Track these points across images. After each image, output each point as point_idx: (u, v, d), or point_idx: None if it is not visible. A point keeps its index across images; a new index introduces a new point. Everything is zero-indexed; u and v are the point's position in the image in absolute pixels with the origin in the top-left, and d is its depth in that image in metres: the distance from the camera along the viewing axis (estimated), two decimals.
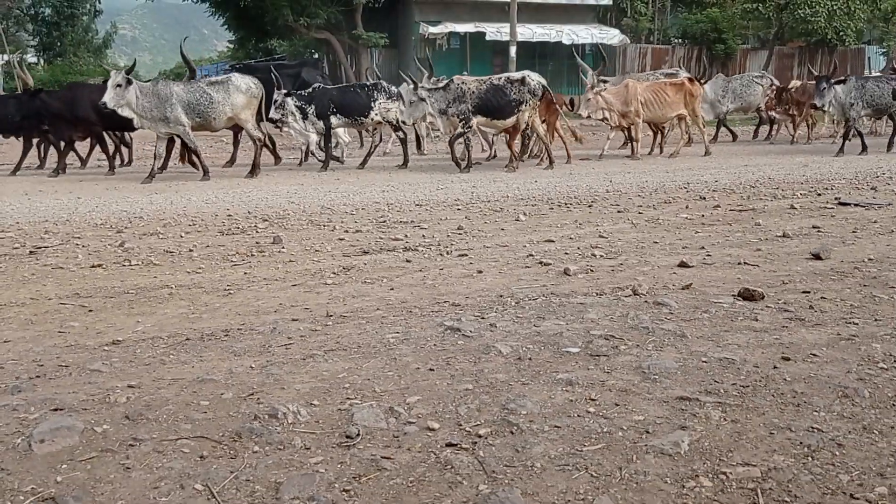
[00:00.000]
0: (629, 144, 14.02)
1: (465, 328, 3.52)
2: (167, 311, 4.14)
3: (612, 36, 27.52)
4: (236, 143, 13.16)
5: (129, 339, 3.58)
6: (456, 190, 9.37)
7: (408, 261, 5.43)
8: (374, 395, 2.75)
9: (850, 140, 13.42)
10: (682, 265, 5.02)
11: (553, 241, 6.07)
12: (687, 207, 7.80)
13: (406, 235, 6.41)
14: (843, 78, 13.30)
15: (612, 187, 9.47)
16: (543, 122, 12.21)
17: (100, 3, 53.71)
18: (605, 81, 13.50)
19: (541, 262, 5.24)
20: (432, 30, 26.28)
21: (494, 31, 25.95)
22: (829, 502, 2.06)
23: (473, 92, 10.95)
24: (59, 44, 51.24)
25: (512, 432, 2.44)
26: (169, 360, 3.19)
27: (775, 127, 16.82)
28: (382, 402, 2.68)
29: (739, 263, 5.06)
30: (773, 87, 16.06)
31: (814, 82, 13.35)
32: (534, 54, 27.57)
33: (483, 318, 3.74)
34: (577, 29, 27.26)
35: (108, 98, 9.98)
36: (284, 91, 11.59)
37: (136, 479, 2.15)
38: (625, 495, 2.10)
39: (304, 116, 11.79)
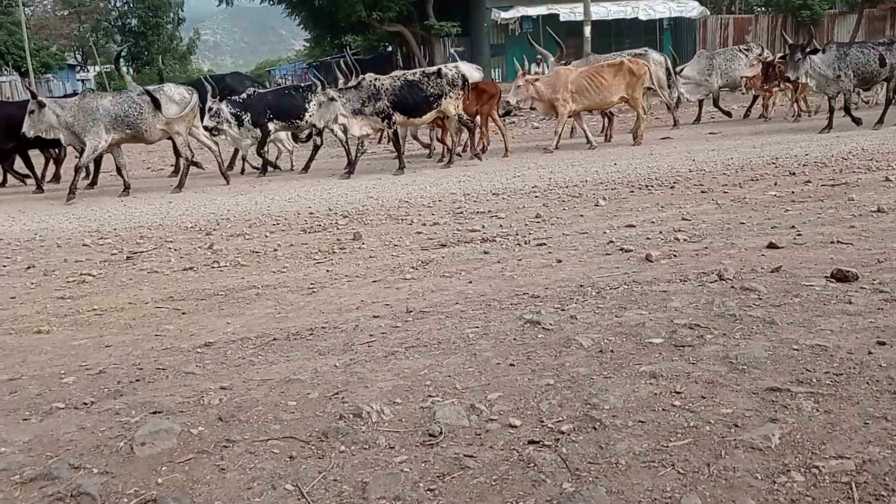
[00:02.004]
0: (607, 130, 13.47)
1: (545, 321, 3.50)
2: (255, 311, 4.28)
3: (690, 8, 26.65)
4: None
5: (220, 340, 3.71)
6: (533, 177, 9.31)
7: (485, 252, 5.43)
8: (456, 392, 2.77)
9: (852, 115, 12.25)
10: (771, 246, 4.85)
11: (634, 226, 5.96)
12: (775, 184, 7.52)
13: (483, 226, 6.41)
14: (818, 48, 11.98)
15: (696, 166, 9.21)
16: (476, 112, 11.76)
17: (182, 10, 55.56)
18: (566, 64, 12.99)
19: (621, 249, 5.15)
20: (504, 15, 26.08)
21: (568, 11, 25.53)
22: None
23: (388, 89, 10.54)
24: (146, 53, 53.24)
25: (595, 428, 2.42)
26: (258, 361, 3.30)
27: (765, 102, 15.35)
28: (464, 399, 2.70)
29: (832, 242, 4.86)
30: (759, 59, 14.77)
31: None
32: (609, 33, 27.02)
33: (563, 309, 3.71)
34: (653, 3, 26.53)
35: (27, 127, 9.82)
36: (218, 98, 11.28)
37: (231, 480, 2.24)
38: (713, 493, 2.05)
39: (240, 123, 11.54)
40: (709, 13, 27.77)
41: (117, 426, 2.62)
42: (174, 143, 11.00)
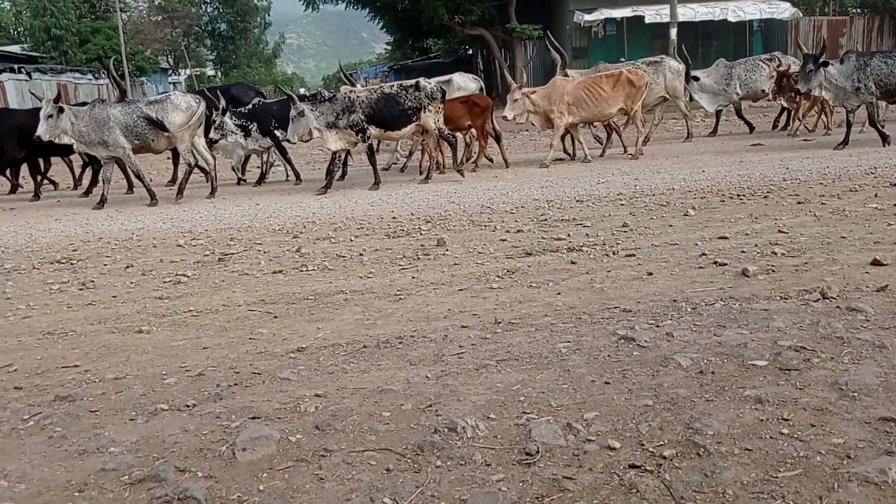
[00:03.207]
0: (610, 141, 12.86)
1: (640, 337, 3.41)
2: (344, 317, 4.33)
3: (782, 10, 25.76)
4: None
5: (312, 345, 3.77)
6: (617, 183, 9.15)
7: (572, 262, 5.36)
8: (550, 409, 2.73)
9: (882, 128, 11.26)
10: (876, 263, 4.62)
11: (727, 238, 5.78)
12: (876, 196, 7.17)
13: (569, 234, 6.33)
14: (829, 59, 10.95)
15: (789, 175, 8.88)
16: (469, 126, 11.41)
17: (269, 15, 57.13)
18: (566, 76, 12.34)
19: (715, 262, 5.00)
20: (587, 17, 25.79)
21: (653, 13, 25.04)
22: None
23: (364, 101, 10.22)
24: (233, 56, 54.91)
25: (699, 454, 2.34)
26: (350, 369, 3.33)
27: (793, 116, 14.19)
28: (559, 417, 2.66)
29: None
30: (775, 69, 13.70)
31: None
32: (696, 35, 26.37)
33: (658, 325, 3.62)
34: (742, 5, 25.76)
35: (42, 131, 9.72)
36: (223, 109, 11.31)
37: (330, 490, 2.26)
38: None
39: (248, 133, 11.51)
40: (801, 15, 26.80)
41: (219, 430, 2.68)
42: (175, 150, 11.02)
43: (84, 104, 11.02)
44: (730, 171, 9.56)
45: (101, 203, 10.20)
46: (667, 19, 21.65)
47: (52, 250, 7.09)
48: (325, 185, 10.47)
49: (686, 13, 24.26)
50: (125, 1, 47.39)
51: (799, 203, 7.06)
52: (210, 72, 56.59)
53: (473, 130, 11.85)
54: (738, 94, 14.34)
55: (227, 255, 6.37)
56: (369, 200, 9.26)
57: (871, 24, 26.65)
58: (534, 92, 11.51)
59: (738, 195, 7.71)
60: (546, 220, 7.12)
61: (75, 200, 11.46)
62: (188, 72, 50.53)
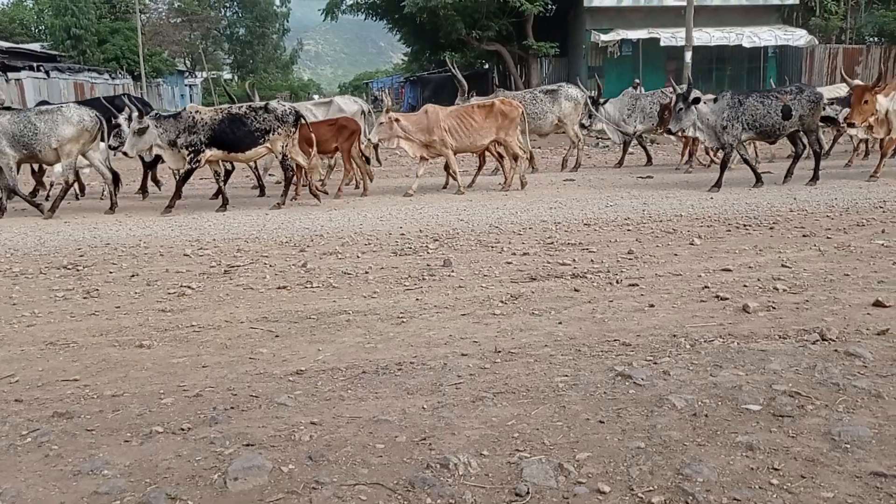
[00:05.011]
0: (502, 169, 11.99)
1: (637, 375, 3.42)
2: (345, 339, 4.35)
3: (797, 37, 25.76)
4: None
5: (311, 368, 3.79)
6: (626, 207, 9.16)
7: (576, 290, 5.37)
8: (543, 447, 2.74)
9: (731, 168, 11.03)
10: (878, 304, 4.61)
11: (730, 271, 5.78)
12: (883, 231, 7.16)
13: (574, 260, 6.34)
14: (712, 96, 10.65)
15: (797, 206, 8.87)
16: (335, 149, 11.16)
17: (288, 21, 57.50)
18: (467, 100, 12.23)
19: (717, 296, 5.00)
20: (604, 38, 25.86)
21: (669, 36, 25.09)
22: None
23: (207, 122, 9.90)
24: (251, 61, 55.22)
25: (687, 502, 2.35)
26: (347, 396, 3.35)
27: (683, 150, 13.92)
28: (552, 456, 2.67)
29: None
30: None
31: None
32: (710, 59, 26.43)
33: (655, 362, 3.63)
34: (758, 31, 25.77)
35: None
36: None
37: None
38: None
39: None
40: (817, 42, 26.78)
41: (212, 456, 2.71)
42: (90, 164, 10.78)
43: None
44: (738, 199, 9.55)
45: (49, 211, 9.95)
46: (682, 42, 21.68)
47: (59, 255, 7.16)
48: (222, 203, 10.33)
49: (701, 37, 24.30)
50: (145, 2, 47.85)
51: (804, 236, 7.05)
52: (227, 75, 56.98)
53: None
54: (636, 127, 13.94)
55: (232, 267, 6.41)
56: (378, 215, 9.29)
57: (888, 54, 26.60)
58: (399, 118, 11.04)
59: (745, 225, 7.71)
60: (552, 243, 7.14)
61: (85, 204, 11.54)
62: (205, 75, 50.89)
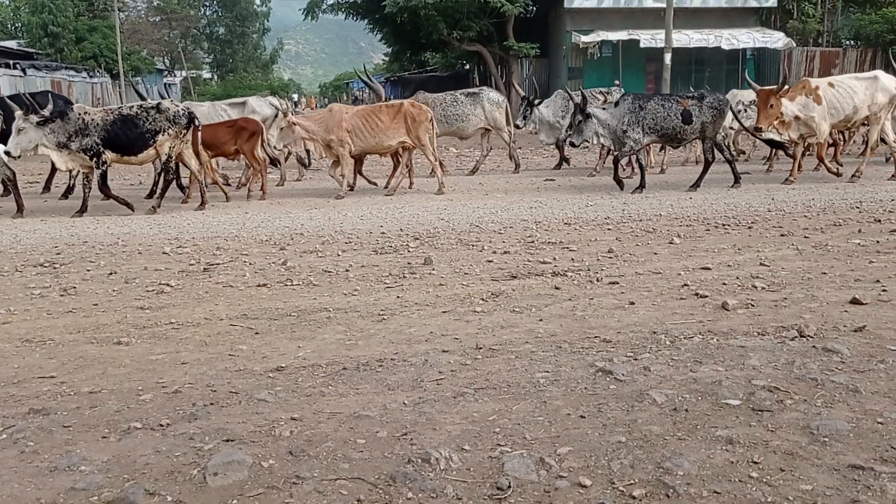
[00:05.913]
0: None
1: (618, 371, 3.44)
2: (325, 336, 4.33)
3: (775, 39, 26.00)
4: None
5: (292, 365, 3.77)
6: (606, 207, 9.20)
7: (556, 288, 5.38)
8: (525, 442, 2.75)
9: (624, 169, 11.13)
10: (855, 302, 4.67)
11: (710, 269, 5.82)
12: (860, 231, 7.25)
13: (555, 258, 6.36)
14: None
15: (775, 206, 8.96)
16: (235, 150, 10.93)
17: (268, 21, 57.22)
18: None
19: (696, 294, 5.04)
20: (584, 38, 25.95)
21: (649, 38, 25.24)
22: None
23: (98, 124, 9.48)
24: (230, 60, 54.88)
25: (668, 495, 2.36)
26: (328, 392, 3.33)
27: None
28: (533, 451, 2.67)
29: None
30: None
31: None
32: (690, 61, 26.60)
33: (636, 358, 3.64)
34: (737, 33, 26.00)
35: None
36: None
37: None
38: None
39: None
40: (794, 45, 27.06)
41: (191, 452, 2.68)
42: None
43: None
44: (717, 198, 9.63)
45: None
46: (661, 44, 21.81)
47: (35, 252, 7.06)
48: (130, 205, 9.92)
49: (681, 39, 24.45)
50: (123, 0, 47.38)
51: (782, 235, 7.12)
52: (206, 74, 56.60)
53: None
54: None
55: (212, 265, 6.36)
56: (359, 214, 9.26)
57: (864, 57, 26.93)
58: (299, 122, 10.91)
59: (724, 225, 7.77)
60: (533, 241, 7.15)
61: (65, 203, 11.40)
62: (184, 73, 50.50)
